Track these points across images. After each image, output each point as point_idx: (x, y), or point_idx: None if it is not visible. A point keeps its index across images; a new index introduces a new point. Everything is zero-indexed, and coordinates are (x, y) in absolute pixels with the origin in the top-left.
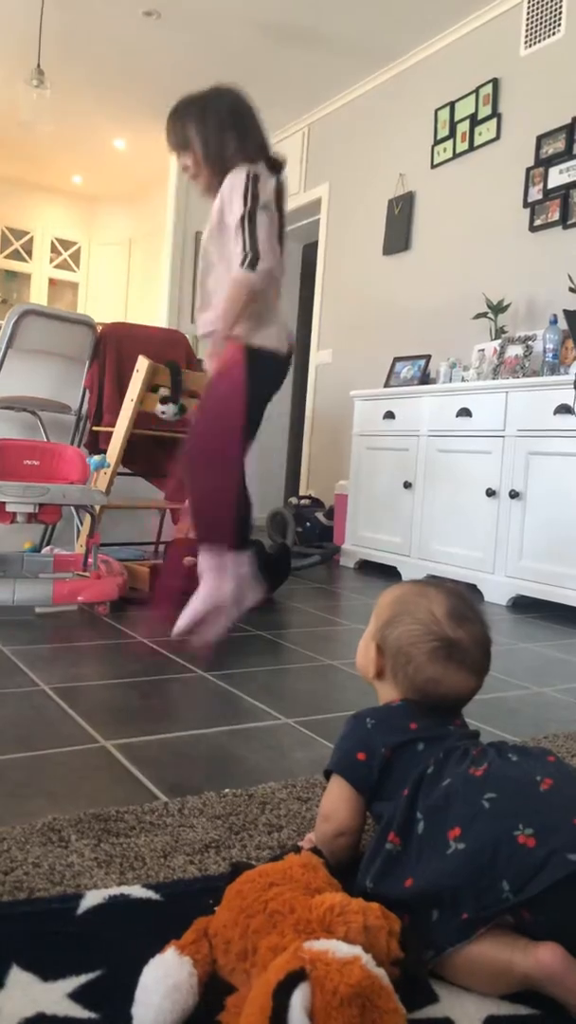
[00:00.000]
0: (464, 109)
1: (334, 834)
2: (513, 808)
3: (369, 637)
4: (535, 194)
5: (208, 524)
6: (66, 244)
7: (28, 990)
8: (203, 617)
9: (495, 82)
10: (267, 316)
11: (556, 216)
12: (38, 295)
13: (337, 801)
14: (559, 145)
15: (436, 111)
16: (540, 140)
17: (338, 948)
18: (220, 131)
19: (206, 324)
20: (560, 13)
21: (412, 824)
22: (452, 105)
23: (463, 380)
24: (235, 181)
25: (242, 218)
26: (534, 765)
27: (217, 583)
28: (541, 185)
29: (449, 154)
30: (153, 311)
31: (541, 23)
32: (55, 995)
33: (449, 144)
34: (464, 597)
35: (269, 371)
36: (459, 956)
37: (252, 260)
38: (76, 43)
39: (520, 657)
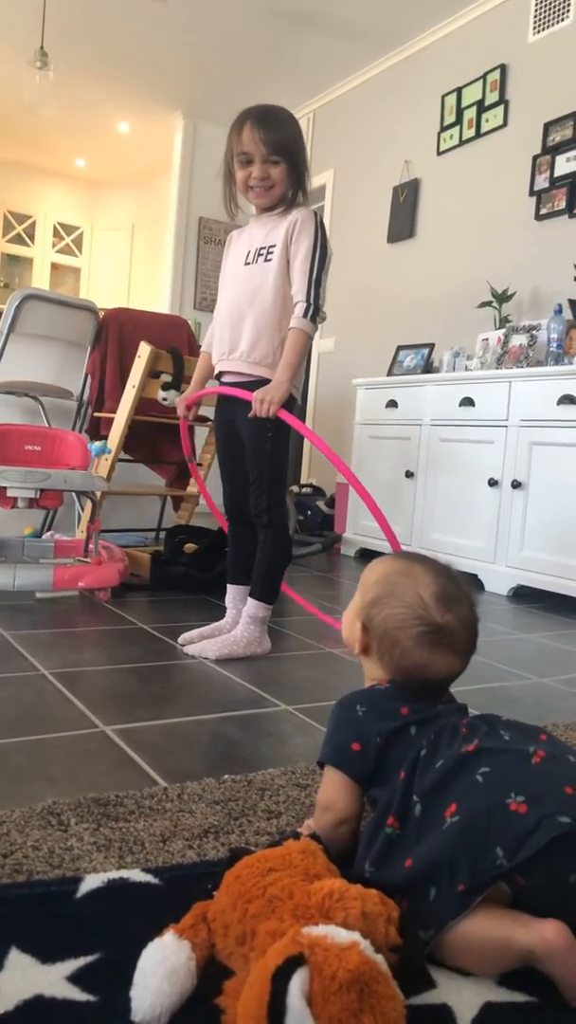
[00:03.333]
0: (471, 95)
1: (335, 823)
2: (505, 779)
3: (354, 615)
4: (541, 182)
5: (275, 583)
6: (69, 229)
7: (27, 972)
8: (230, 657)
9: (503, 68)
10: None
11: (562, 204)
12: (40, 280)
13: (335, 791)
14: (567, 133)
15: (443, 97)
16: (547, 127)
17: (337, 934)
18: (305, 156)
19: (249, 365)
20: None
21: (409, 807)
22: (459, 91)
23: (466, 369)
24: (309, 220)
25: (313, 266)
26: (527, 741)
27: (260, 635)
28: (548, 173)
29: (455, 141)
30: (156, 297)
31: (549, 9)
32: (54, 977)
33: (455, 131)
34: (452, 576)
35: (293, 410)
36: (459, 934)
37: (315, 313)
38: (80, 25)
39: (521, 647)
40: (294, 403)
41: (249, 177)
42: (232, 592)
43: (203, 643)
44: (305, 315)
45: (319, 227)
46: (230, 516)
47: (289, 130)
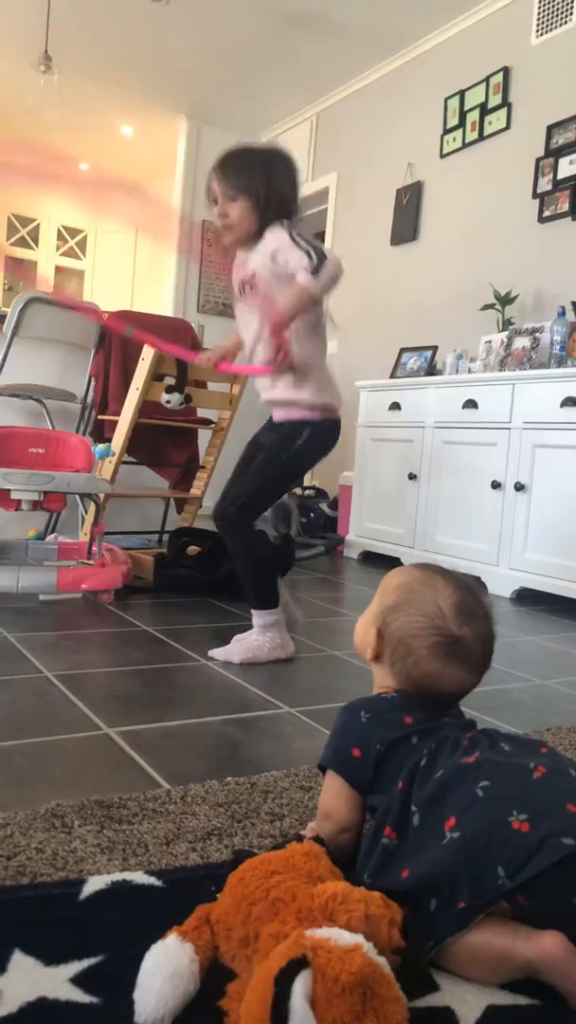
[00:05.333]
0: (474, 98)
1: (336, 831)
2: (507, 795)
3: (370, 620)
4: (544, 185)
5: (264, 588)
6: (72, 232)
7: (30, 974)
8: (254, 661)
9: (506, 71)
10: (322, 371)
11: (566, 207)
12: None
13: (335, 799)
14: (569, 135)
15: (446, 100)
16: (550, 130)
17: (340, 936)
18: (280, 190)
19: (271, 389)
20: (572, 2)
21: (407, 817)
22: (462, 94)
23: (469, 372)
24: (274, 230)
25: (299, 243)
26: (527, 754)
27: (281, 640)
28: (551, 176)
29: (458, 144)
30: (159, 299)
31: (553, 12)
32: (57, 980)
33: (459, 133)
34: (472, 590)
35: (330, 442)
36: (460, 944)
37: (319, 265)
38: (84, 29)
39: (523, 650)
40: (325, 426)
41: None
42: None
43: (229, 647)
44: (307, 270)
45: (283, 225)
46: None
47: (249, 166)
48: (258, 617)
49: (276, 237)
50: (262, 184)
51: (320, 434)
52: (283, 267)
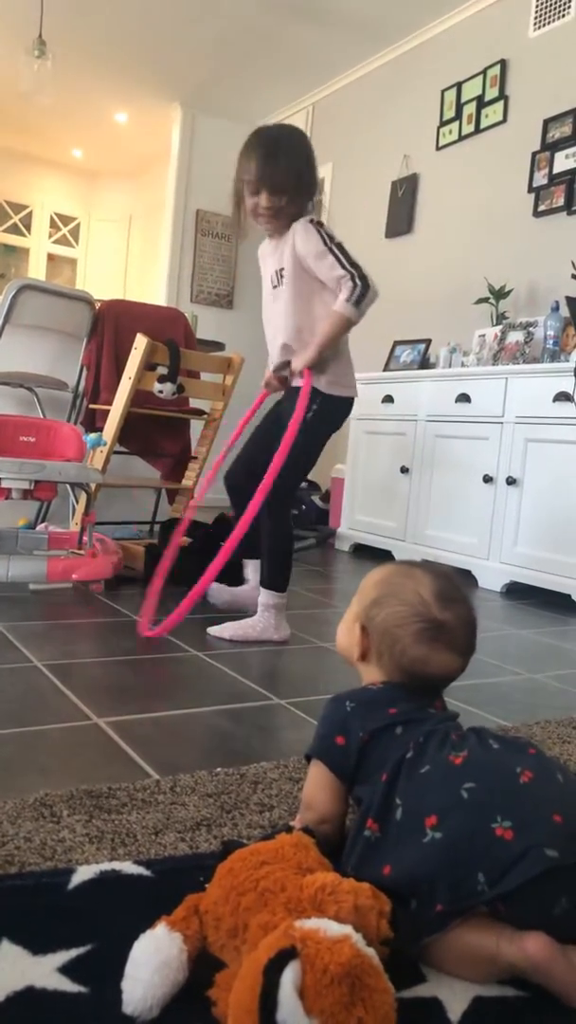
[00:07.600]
0: (471, 90)
1: (316, 822)
2: (491, 800)
3: (352, 618)
4: (540, 179)
5: (281, 568)
6: (65, 219)
7: (18, 963)
8: (244, 639)
9: (503, 64)
10: (346, 357)
11: (561, 201)
12: (36, 270)
13: (317, 789)
14: (566, 129)
15: (443, 92)
16: (547, 124)
17: (329, 927)
18: (314, 177)
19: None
20: None
21: (390, 810)
22: (459, 86)
23: (463, 365)
24: (302, 228)
25: (334, 254)
26: (514, 756)
27: (277, 622)
28: (547, 170)
29: (455, 136)
30: (152, 288)
31: (551, 5)
32: (45, 969)
33: (455, 126)
34: (451, 578)
35: (340, 415)
36: (444, 946)
37: (361, 294)
38: (79, 14)
39: (513, 643)
40: (334, 401)
41: (258, 206)
42: (247, 565)
43: (224, 624)
44: (348, 299)
45: (316, 226)
46: (232, 490)
47: (298, 159)
48: (267, 596)
49: (305, 239)
50: (307, 176)
51: (328, 403)
52: (312, 271)
